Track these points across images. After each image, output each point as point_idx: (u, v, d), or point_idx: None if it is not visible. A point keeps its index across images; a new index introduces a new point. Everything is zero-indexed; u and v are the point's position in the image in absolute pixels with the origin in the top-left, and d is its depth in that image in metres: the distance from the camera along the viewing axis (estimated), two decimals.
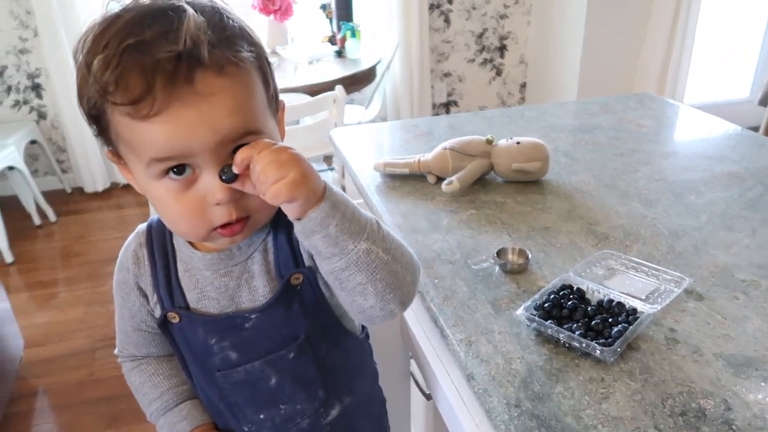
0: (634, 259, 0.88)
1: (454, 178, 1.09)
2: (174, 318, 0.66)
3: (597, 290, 0.79)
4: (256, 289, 0.65)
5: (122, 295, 0.71)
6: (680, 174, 1.19)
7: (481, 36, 3.65)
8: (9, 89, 3.13)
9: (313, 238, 0.55)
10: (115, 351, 0.77)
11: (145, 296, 0.69)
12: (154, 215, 0.70)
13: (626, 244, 0.94)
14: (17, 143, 2.92)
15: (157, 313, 0.68)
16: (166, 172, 0.55)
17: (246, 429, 0.72)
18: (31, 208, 3.02)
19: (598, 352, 0.68)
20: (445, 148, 1.15)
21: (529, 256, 0.89)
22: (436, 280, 0.86)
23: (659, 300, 0.78)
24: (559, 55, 3.45)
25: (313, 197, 0.53)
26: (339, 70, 2.75)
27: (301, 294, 0.66)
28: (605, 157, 1.27)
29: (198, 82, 0.51)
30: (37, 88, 3.18)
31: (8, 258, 2.71)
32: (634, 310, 0.75)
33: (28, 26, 3.03)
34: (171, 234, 0.68)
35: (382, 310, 0.59)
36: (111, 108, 0.53)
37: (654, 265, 0.86)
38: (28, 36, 3.05)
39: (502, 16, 3.61)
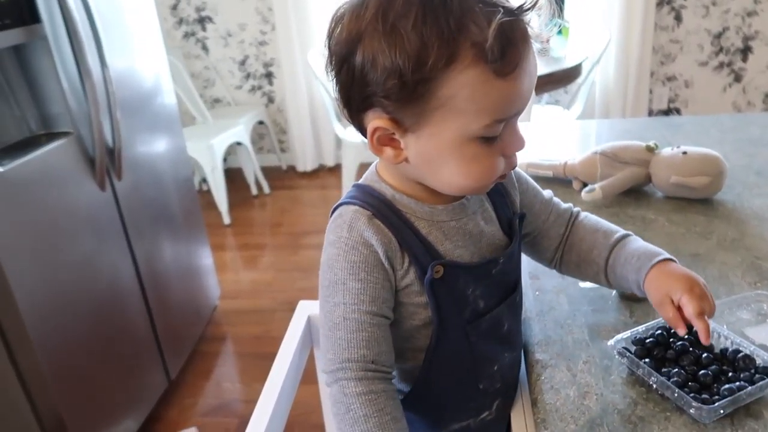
0: None
1: (597, 185, 0.98)
2: (438, 272, 0.62)
3: (725, 336, 0.64)
4: (493, 234, 0.68)
5: (361, 277, 0.62)
6: None
7: (719, 36, 3.18)
8: (248, 76, 3.62)
9: None
10: (329, 368, 0.63)
11: (392, 266, 0.62)
12: (345, 197, 0.67)
13: None
14: (246, 123, 3.36)
15: (409, 278, 0.63)
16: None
17: (481, 386, 0.70)
18: (251, 180, 3.46)
19: (692, 409, 0.56)
20: (596, 153, 1.03)
21: None
22: (537, 293, 0.78)
23: None
24: None
25: None
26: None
27: (520, 237, 0.71)
28: None
29: (530, 43, 0.55)
30: (269, 76, 3.62)
31: (226, 220, 3.15)
32: (766, 369, 0.59)
33: (268, 21, 3.46)
34: (391, 200, 0.64)
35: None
36: (462, 70, 0.53)
37: None
38: (267, 30, 3.49)
39: (750, 13, 3.09)
